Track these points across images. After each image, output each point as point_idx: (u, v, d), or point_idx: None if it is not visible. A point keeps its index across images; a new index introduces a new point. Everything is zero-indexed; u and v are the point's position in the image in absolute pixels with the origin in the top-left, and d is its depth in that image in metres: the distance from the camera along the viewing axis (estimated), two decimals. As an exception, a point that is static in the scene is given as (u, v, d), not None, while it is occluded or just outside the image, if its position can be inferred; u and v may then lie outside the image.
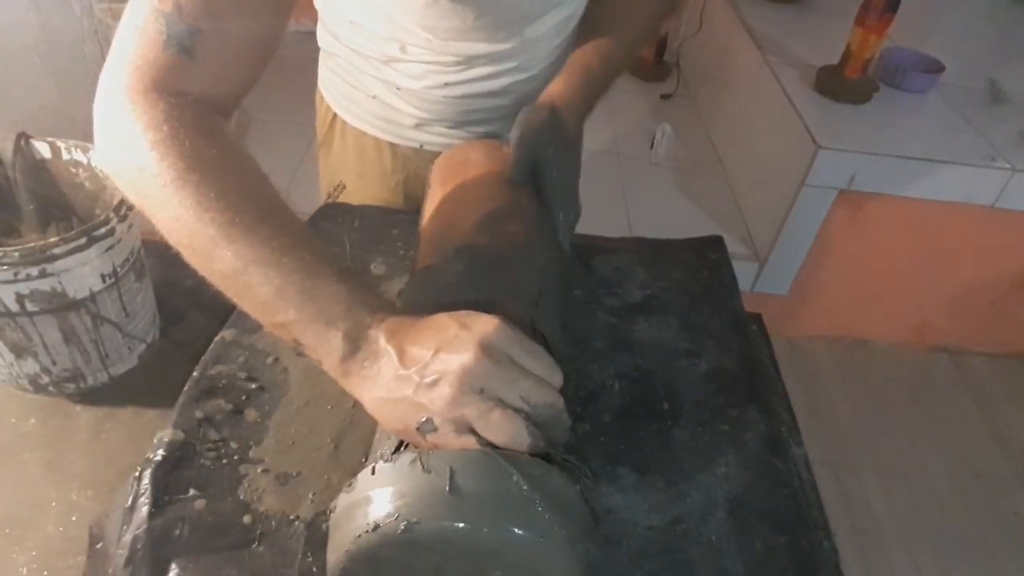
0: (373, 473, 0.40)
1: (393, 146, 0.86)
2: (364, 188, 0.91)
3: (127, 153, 0.47)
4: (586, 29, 0.76)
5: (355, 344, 0.43)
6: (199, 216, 0.44)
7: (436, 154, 0.83)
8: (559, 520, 0.39)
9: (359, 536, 0.39)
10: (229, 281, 0.45)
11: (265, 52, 0.55)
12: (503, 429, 0.40)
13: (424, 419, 0.41)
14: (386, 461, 0.40)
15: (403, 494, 0.39)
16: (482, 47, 0.73)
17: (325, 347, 0.43)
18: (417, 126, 0.83)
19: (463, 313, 0.43)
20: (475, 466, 0.39)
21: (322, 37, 0.82)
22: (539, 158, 0.63)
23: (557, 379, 0.43)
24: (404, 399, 0.41)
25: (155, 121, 0.46)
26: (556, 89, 0.68)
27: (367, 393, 0.43)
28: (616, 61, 0.73)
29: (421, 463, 0.39)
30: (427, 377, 0.40)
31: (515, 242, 0.58)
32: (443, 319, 0.43)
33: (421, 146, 0.85)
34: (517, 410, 0.40)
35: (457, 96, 0.78)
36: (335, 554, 0.41)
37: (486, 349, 0.40)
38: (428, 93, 0.78)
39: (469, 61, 0.75)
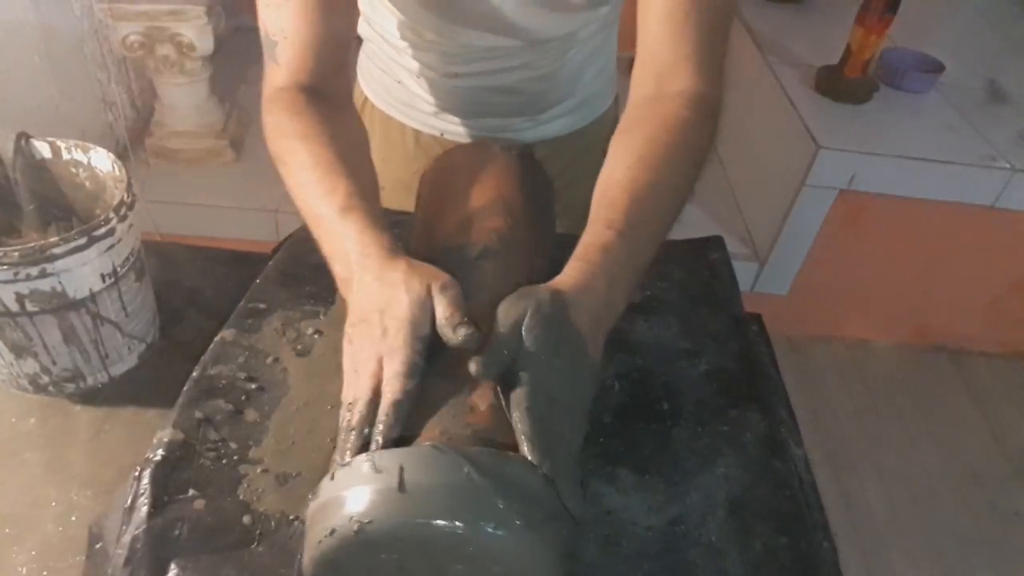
0: (332, 478, 0.41)
1: (416, 132, 0.89)
2: (387, 171, 0.93)
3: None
4: (605, 191, 0.57)
5: (345, 285, 0.52)
6: (285, 180, 0.60)
7: (456, 143, 0.86)
8: (517, 508, 0.39)
9: (320, 542, 0.40)
10: (306, 222, 0.57)
11: (335, 44, 0.65)
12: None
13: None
14: (343, 465, 0.41)
15: (356, 496, 0.39)
16: (487, 39, 0.74)
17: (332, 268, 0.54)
18: (436, 114, 0.86)
19: (377, 312, 0.47)
20: (424, 461, 0.40)
21: (360, 25, 0.85)
22: (516, 356, 0.45)
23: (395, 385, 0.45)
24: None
25: (269, 119, 0.62)
26: (565, 275, 0.49)
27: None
28: (645, 237, 0.54)
29: (373, 463, 0.40)
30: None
31: (497, 237, 0.58)
32: (370, 312, 0.48)
33: (441, 134, 0.88)
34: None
35: (467, 87, 0.80)
36: (304, 560, 0.42)
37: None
38: (441, 82, 0.80)
39: (475, 53, 0.76)
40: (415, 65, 0.80)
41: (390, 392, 0.44)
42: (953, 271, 1.88)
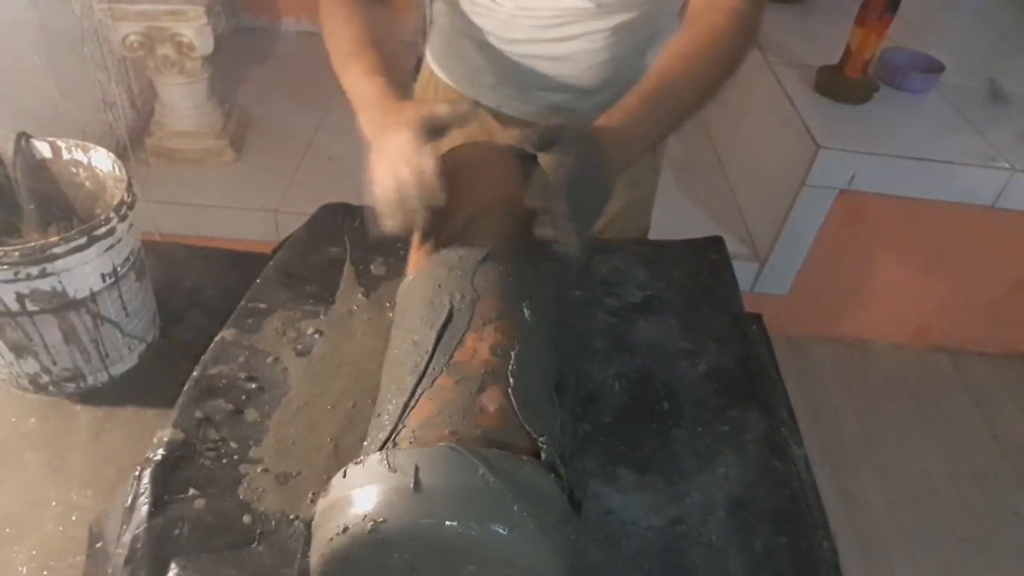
0: (344, 476, 0.41)
1: (475, 104, 0.94)
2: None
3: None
4: (651, 72, 0.70)
5: (368, 128, 0.65)
6: (330, 53, 0.73)
7: (511, 118, 0.93)
8: (531, 511, 0.39)
9: (331, 539, 0.40)
10: (342, 84, 0.71)
11: None
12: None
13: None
14: (356, 463, 0.41)
15: (370, 494, 0.39)
16: (548, 5, 0.79)
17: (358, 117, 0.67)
18: (494, 86, 0.91)
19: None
20: (440, 461, 0.40)
21: (435, 3, 0.93)
22: (561, 145, 0.58)
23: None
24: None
25: (324, 4, 0.75)
26: (601, 120, 0.64)
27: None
28: (664, 106, 0.68)
29: (388, 462, 0.40)
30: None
31: (502, 239, 0.58)
32: (386, 132, 0.61)
33: (498, 107, 0.93)
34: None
35: (526, 55, 0.85)
36: (314, 557, 0.41)
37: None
38: (504, 47, 0.85)
39: (538, 17, 0.81)
40: (479, 33, 0.86)
41: (423, 165, 0.56)
42: (953, 271, 1.88)
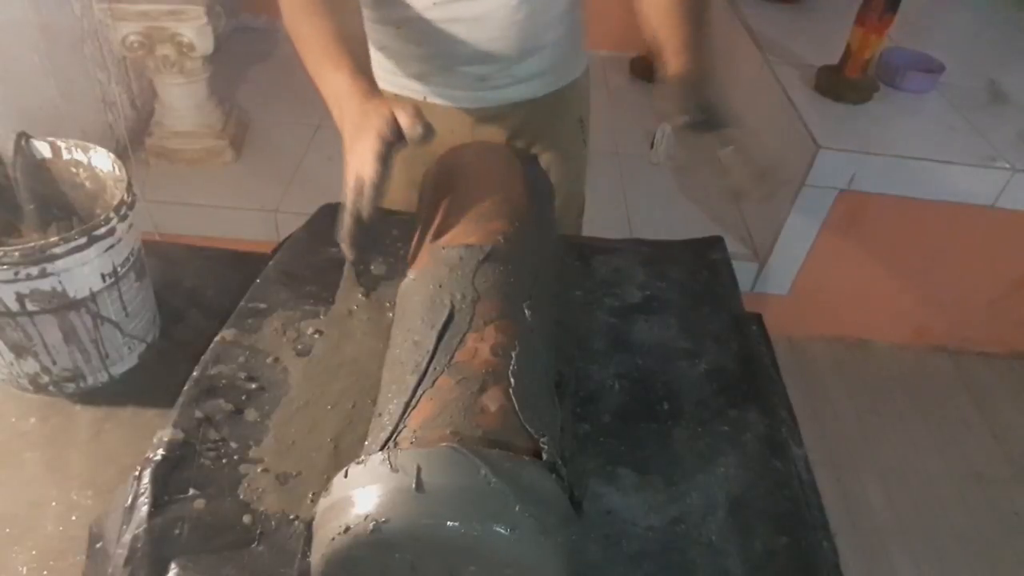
0: (346, 476, 0.41)
1: (396, 97, 0.95)
2: None
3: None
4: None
5: (340, 122, 0.69)
6: (297, 49, 0.76)
7: (438, 107, 0.93)
8: (533, 511, 0.39)
9: (333, 539, 0.40)
10: (312, 78, 0.74)
11: None
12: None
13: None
14: (358, 463, 0.41)
15: (372, 494, 0.39)
16: None
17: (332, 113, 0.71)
18: (417, 74, 0.92)
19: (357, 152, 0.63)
20: (442, 462, 0.40)
21: (363, 9, 0.92)
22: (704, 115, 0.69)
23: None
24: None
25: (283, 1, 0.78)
26: (689, 61, 0.71)
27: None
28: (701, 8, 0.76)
29: (389, 462, 0.40)
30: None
31: (504, 238, 0.58)
32: (356, 131, 0.65)
33: (424, 98, 0.94)
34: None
35: (445, 19, 0.84)
36: (315, 557, 0.41)
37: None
38: (424, 15, 0.85)
39: None
40: (398, 12, 0.85)
41: (366, 175, 0.61)
42: (953, 271, 1.88)
